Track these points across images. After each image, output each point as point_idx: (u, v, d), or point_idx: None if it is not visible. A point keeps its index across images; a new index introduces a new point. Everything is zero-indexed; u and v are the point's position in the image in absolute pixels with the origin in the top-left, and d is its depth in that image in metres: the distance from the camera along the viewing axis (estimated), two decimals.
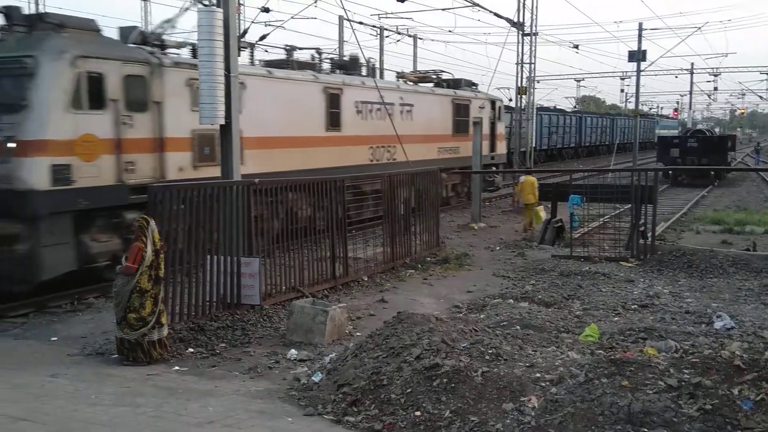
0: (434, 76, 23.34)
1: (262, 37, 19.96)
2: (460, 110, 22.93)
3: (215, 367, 7.83)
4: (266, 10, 21.42)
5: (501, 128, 26.14)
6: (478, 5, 24.49)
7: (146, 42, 12.96)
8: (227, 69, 10.57)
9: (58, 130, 10.81)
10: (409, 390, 6.04)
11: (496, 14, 25.37)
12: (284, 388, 6.99)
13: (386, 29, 31.81)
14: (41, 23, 11.42)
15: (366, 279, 12.49)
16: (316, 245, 11.76)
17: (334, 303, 9.91)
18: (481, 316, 9.47)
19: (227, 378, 7.43)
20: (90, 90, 11.18)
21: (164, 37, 13.27)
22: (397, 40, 33.29)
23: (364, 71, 19.87)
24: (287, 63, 17.02)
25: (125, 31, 12.94)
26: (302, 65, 17.22)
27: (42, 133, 10.61)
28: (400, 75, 23.07)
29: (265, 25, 25.09)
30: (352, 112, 17.74)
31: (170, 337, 8.48)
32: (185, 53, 13.81)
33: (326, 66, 18.71)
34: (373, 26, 31.71)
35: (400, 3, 24.43)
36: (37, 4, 28.29)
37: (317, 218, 11.91)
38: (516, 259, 14.75)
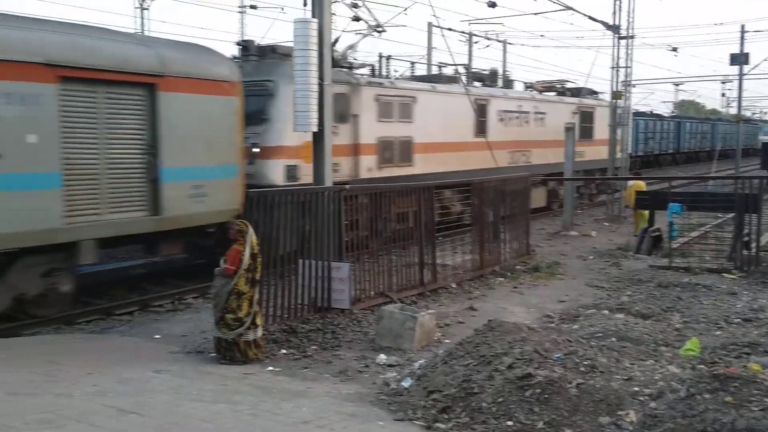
0: (559, 86, 25.45)
1: (351, 46, 20.31)
2: (585, 117, 25.11)
3: (307, 368, 8.00)
4: (357, 19, 21.77)
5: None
6: (571, 9, 23.96)
7: (336, 64, 15.09)
8: (321, 77, 10.79)
9: (290, 138, 13.35)
10: (501, 399, 5.98)
11: (590, 17, 24.71)
12: (374, 392, 7.06)
13: (475, 35, 31.61)
14: (271, 53, 14.34)
15: (454, 286, 12.44)
16: (405, 251, 11.83)
17: (423, 309, 9.93)
18: (575, 327, 9.24)
19: (319, 380, 7.57)
20: None
21: (349, 59, 16.08)
22: (486, 46, 33.00)
23: (494, 83, 22.29)
24: (438, 77, 19.49)
25: None
26: (449, 79, 19.58)
27: (279, 141, 13.42)
28: (529, 85, 24.95)
29: (356, 34, 25.49)
30: (495, 120, 20.19)
31: (264, 337, 8.73)
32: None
33: (458, 76, 21.25)
34: (462, 32, 31.58)
35: (490, 8, 24.24)
36: (143, 21, 29.93)
37: (408, 223, 12.03)
38: (611, 268, 14.31)
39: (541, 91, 24.44)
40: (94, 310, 10.84)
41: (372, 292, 10.90)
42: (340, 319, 9.82)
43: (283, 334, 9.08)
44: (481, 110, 19.41)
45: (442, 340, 9.22)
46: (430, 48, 28.92)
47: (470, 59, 30.52)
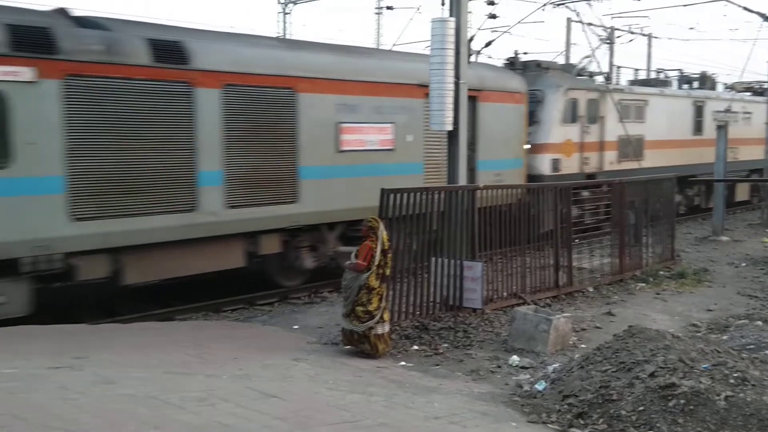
0: (757, 86, 26.47)
1: (488, 44, 20.15)
2: None
3: (438, 365, 8.05)
4: (493, 16, 21.57)
5: None
6: None
7: (578, 74, 18.53)
8: (457, 76, 10.78)
9: (555, 136, 16.52)
10: (642, 408, 5.73)
11: (745, 8, 22.93)
12: (507, 393, 7.00)
13: (617, 29, 30.28)
14: (535, 67, 17.36)
15: (591, 290, 12.03)
16: (539, 252, 11.60)
17: (557, 312, 9.69)
18: (724, 338, 8.66)
19: (450, 377, 7.60)
20: (570, 110, 16.89)
21: (586, 68, 19.20)
22: (630, 40, 31.46)
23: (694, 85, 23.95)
24: (649, 81, 22.07)
25: (566, 67, 18.77)
26: (662, 82, 22.00)
27: (546, 139, 16.39)
28: (730, 86, 26.17)
29: (492, 32, 25.26)
30: (709, 119, 22.34)
31: (397, 333, 8.89)
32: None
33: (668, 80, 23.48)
34: (603, 27, 30.36)
35: (636, 1, 23.18)
36: (285, 24, 31.27)
37: (542, 224, 11.78)
38: (765, 277, 13.26)
39: (739, 91, 25.55)
40: (239, 300, 11.51)
41: (504, 293, 10.78)
42: (471, 319, 9.80)
43: (414, 331, 9.20)
44: (698, 111, 21.97)
45: (577, 344, 8.96)
46: (568, 44, 28.04)
47: (611, 55, 29.30)
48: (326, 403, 5.98)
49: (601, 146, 17.76)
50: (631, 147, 18.70)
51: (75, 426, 4.55)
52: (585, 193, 13.14)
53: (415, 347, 8.70)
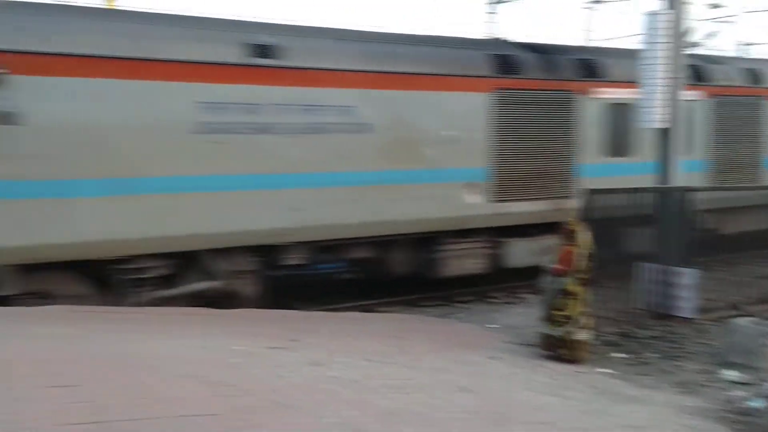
0: None
1: (709, 36, 18.69)
2: None
3: (643, 375, 7.67)
4: (716, 6, 20.01)
5: None
6: None
7: None
8: (671, 72, 10.18)
9: None
10: None
11: None
12: (717, 408, 6.52)
13: None
14: None
15: None
16: (764, 260, 10.56)
17: None
18: None
19: (655, 388, 7.22)
20: None
21: None
22: None
23: None
24: None
25: None
26: None
27: None
28: None
29: (713, 22, 23.31)
30: None
31: (597, 339, 8.58)
32: None
33: None
34: None
35: None
36: (492, 24, 31.28)
37: None
38: None
39: None
40: (437, 296, 11.80)
41: (720, 303, 9.96)
42: (681, 329, 9.21)
43: (617, 337, 8.85)
44: None
45: None
46: None
47: None
48: (520, 402, 5.99)
49: None
50: None
51: (288, 400, 5.03)
52: None
53: (617, 354, 8.36)
